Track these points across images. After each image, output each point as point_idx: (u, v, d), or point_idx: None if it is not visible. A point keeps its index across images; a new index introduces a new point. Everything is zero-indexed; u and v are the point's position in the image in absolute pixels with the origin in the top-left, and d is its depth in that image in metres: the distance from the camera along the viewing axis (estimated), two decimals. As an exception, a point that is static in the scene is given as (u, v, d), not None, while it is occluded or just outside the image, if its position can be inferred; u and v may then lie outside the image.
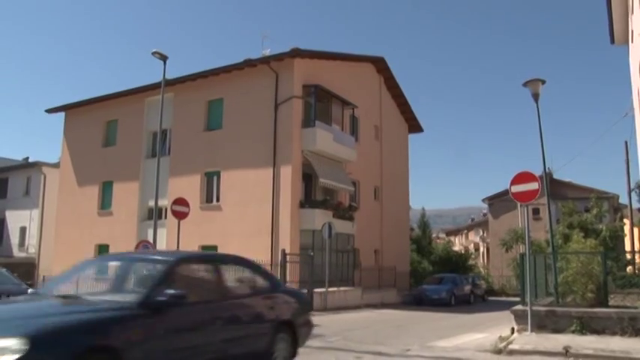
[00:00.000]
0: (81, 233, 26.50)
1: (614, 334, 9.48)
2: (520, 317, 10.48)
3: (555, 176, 37.17)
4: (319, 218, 20.81)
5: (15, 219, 34.90)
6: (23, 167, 36.21)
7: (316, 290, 18.87)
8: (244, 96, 22.57)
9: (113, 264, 6.89)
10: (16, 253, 34.30)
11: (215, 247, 21.73)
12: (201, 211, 22.39)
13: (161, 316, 5.15)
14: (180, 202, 15.66)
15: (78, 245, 26.39)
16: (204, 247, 22.16)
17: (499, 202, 43.19)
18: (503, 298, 31.47)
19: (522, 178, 10.68)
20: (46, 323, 4.39)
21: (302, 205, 21.31)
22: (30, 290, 7.76)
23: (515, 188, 10.74)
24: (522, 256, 11.50)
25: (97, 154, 27.18)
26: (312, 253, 19.45)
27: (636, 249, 26.92)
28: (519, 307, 10.76)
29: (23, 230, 34.36)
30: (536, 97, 12.26)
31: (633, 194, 27.00)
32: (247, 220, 21.31)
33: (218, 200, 22.75)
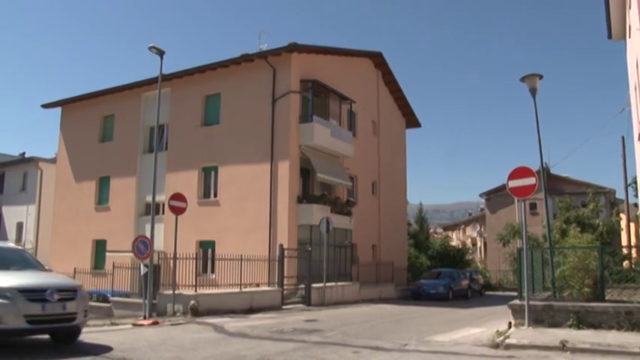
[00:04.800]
0: (78, 229, 26.48)
1: (610, 328, 9.51)
2: (517, 312, 10.51)
3: (552, 171, 37.20)
4: (317, 213, 20.81)
5: (12, 214, 34.80)
6: (20, 163, 36.07)
7: (314, 285, 18.91)
8: (241, 91, 22.51)
9: None
10: (13, 248, 34.15)
11: (212, 243, 21.74)
12: (199, 206, 22.37)
13: None
14: (177, 197, 15.61)
15: (75, 240, 26.40)
16: (201, 243, 22.17)
17: (496, 197, 43.27)
18: (501, 293, 31.62)
19: (519, 173, 10.69)
20: None
21: (300, 200, 21.30)
22: None
23: (513, 183, 10.75)
24: (519, 250, 11.52)
25: (94, 150, 27.11)
26: (309, 249, 19.45)
27: (633, 244, 27.02)
28: (516, 301, 10.79)
29: (20, 226, 34.28)
30: (533, 92, 12.26)
31: (630, 189, 27.11)
32: (245, 216, 21.30)
33: (215, 195, 22.72)
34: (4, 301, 7.37)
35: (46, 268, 10.30)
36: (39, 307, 7.62)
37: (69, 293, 8.14)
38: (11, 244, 10.71)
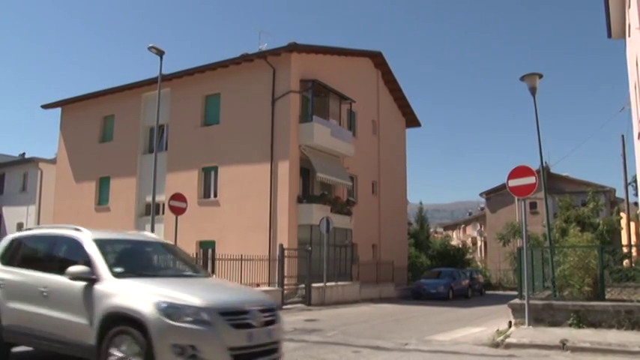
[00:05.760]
0: (78, 229, 26.44)
1: (610, 327, 9.52)
2: (517, 311, 10.52)
3: (552, 170, 37.22)
4: (317, 213, 20.81)
5: (12, 215, 34.80)
6: (20, 163, 36.09)
7: (314, 285, 18.91)
8: (241, 91, 22.51)
9: None
10: (14, 249, 34.14)
11: (213, 243, 21.74)
12: (199, 206, 22.37)
13: None
14: (177, 197, 15.64)
15: (75, 241, 26.35)
16: (201, 243, 22.16)
17: (496, 197, 43.24)
18: (501, 292, 31.61)
19: (519, 172, 10.69)
20: None
21: (300, 200, 21.31)
22: None
23: (513, 182, 10.76)
24: (520, 250, 11.53)
25: (94, 150, 27.10)
26: (310, 248, 19.45)
27: (633, 242, 27.01)
28: (516, 300, 10.80)
29: (20, 226, 34.20)
30: (533, 91, 12.25)
31: (630, 188, 27.14)
32: (245, 216, 21.30)
33: (216, 196, 22.72)
34: (202, 327, 5.20)
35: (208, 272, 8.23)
36: (245, 336, 5.48)
37: (270, 314, 5.93)
38: (152, 235, 7.87)
